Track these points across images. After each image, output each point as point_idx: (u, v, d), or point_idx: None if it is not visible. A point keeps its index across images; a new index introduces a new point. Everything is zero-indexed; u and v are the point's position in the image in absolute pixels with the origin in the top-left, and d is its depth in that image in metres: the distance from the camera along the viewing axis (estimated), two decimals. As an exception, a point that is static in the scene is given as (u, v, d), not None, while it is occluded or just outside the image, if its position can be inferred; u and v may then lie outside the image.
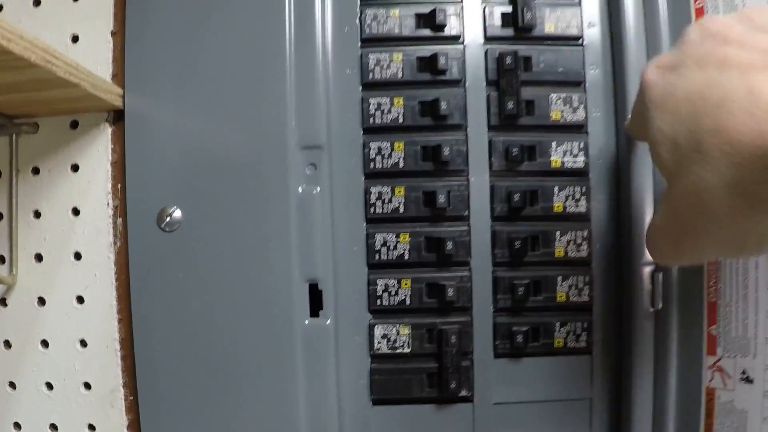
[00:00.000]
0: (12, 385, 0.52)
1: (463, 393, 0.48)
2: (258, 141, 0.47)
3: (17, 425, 0.52)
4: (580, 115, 0.49)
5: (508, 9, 0.49)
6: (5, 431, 0.52)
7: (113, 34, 0.51)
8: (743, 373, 0.46)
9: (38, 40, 0.37)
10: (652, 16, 0.48)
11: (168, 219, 0.47)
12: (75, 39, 0.51)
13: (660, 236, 0.35)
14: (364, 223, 0.48)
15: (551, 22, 0.49)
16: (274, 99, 0.47)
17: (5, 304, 0.51)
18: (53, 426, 0.51)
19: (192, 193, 0.47)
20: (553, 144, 0.48)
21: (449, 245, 0.47)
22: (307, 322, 0.47)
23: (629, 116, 0.43)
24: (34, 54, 0.37)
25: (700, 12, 0.47)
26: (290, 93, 0.47)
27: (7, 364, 0.52)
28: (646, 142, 0.34)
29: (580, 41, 0.49)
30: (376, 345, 0.49)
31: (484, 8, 0.49)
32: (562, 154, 0.48)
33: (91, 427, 0.50)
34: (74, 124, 0.51)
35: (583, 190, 0.48)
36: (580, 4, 0.50)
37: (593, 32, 0.50)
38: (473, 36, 0.49)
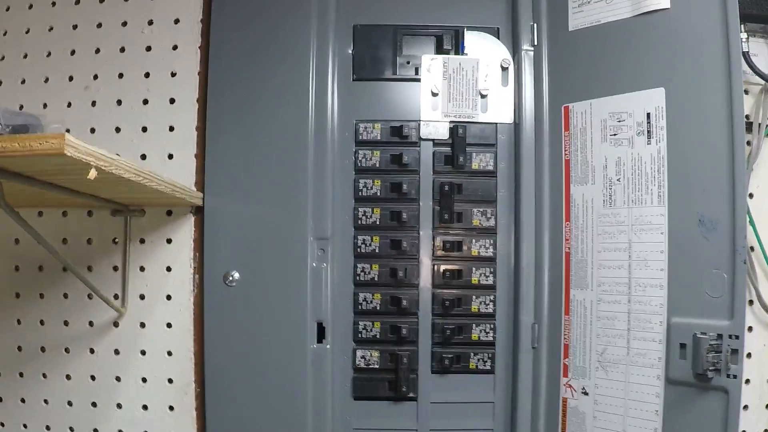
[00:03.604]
0: (118, 378, 0.88)
1: (411, 395, 0.85)
2: (289, 232, 0.83)
3: (119, 405, 0.88)
4: (491, 222, 0.85)
5: (450, 153, 0.85)
6: (111, 410, 0.88)
7: (195, 155, 0.87)
8: (583, 389, 0.82)
9: (169, 179, 0.73)
10: (539, 159, 0.85)
11: (230, 278, 0.83)
12: (171, 156, 0.87)
13: None
14: (353, 286, 0.85)
15: (476, 162, 0.85)
16: (300, 206, 0.83)
17: (117, 326, 0.87)
18: (144, 407, 0.87)
19: (247, 263, 0.83)
20: (473, 240, 0.85)
21: (405, 302, 0.83)
22: (314, 346, 0.83)
23: None
24: (165, 187, 0.72)
25: (567, 163, 0.83)
26: (310, 203, 0.83)
27: (116, 365, 0.87)
28: None
29: (494, 174, 0.86)
30: (357, 362, 0.85)
31: (434, 152, 0.85)
32: (479, 247, 0.85)
33: (171, 407, 0.86)
34: (169, 212, 0.87)
35: (492, 269, 0.85)
36: (495, 150, 0.86)
37: (503, 167, 0.86)
38: (426, 169, 0.85)
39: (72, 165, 0.52)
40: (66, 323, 0.88)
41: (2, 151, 0.49)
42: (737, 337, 0.74)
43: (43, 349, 0.88)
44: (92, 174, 0.54)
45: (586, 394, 0.82)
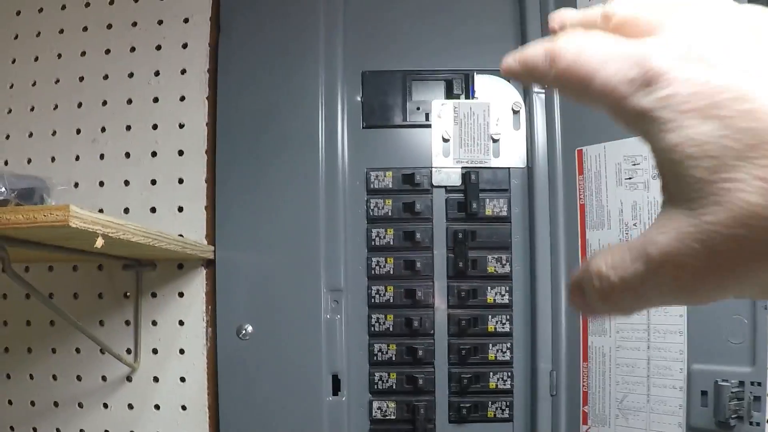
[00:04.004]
0: (132, 433, 0.88)
1: (429, 445, 0.84)
2: (302, 284, 0.83)
3: (134, 461, 0.88)
4: (507, 269, 0.85)
5: (462, 199, 0.85)
6: (125, 465, 0.88)
7: (206, 207, 0.87)
8: (603, 436, 0.82)
9: (178, 237, 0.73)
10: (553, 203, 0.84)
11: (244, 331, 0.83)
12: (180, 209, 0.87)
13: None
14: (368, 337, 0.85)
15: (490, 208, 0.85)
16: (312, 259, 0.83)
17: (130, 380, 0.87)
18: (159, 461, 0.87)
19: (260, 316, 0.83)
20: (488, 288, 0.84)
21: (420, 352, 0.83)
22: (330, 398, 0.83)
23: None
24: (175, 245, 0.72)
25: (582, 208, 0.83)
26: (322, 254, 0.83)
27: (130, 419, 0.87)
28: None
29: (508, 219, 0.86)
30: (373, 413, 0.85)
31: (446, 199, 0.85)
32: (494, 294, 0.84)
33: (186, 462, 0.86)
34: (180, 266, 0.87)
35: (508, 317, 0.85)
36: (509, 196, 0.86)
37: (516, 212, 0.86)
38: (439, 217, 0.85)
39: (78, 234, 0.52)
40: (79, 378, 0.88)
41: (6, 222, 0.49)
42: (759, 384, 0.74)
43: (56, 404, 0.88)
44: (99, 243, 0.54)
45: (606, 442, 0.82)
